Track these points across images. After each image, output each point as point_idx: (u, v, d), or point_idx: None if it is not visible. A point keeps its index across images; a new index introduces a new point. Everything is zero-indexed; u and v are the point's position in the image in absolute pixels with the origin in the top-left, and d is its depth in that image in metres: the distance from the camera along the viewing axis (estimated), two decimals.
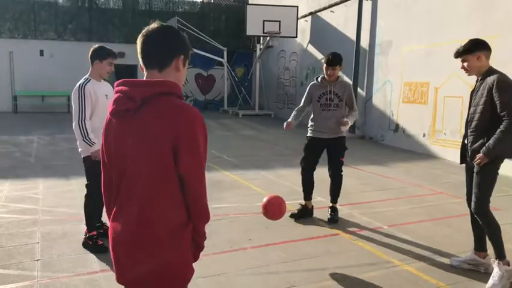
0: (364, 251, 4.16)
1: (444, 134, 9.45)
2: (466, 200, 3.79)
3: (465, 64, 3.51)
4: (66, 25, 18.56)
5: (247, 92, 20.40)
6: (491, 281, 3.40)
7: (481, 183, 3.50)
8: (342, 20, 13.52)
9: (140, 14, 19.25)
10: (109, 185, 1.79)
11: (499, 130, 3.32)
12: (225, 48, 19.05)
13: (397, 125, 11.06)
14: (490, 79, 3.38)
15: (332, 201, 5.11)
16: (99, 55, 4.06)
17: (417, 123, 10.30)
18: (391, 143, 11.15)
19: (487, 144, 3.37)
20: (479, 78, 3.52)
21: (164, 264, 1.65)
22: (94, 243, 3.99)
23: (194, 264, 1.80)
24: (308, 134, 5.06)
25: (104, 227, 4.33)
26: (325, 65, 4.85)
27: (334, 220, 4.94)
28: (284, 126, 5.01)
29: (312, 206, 5.18)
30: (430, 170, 8.19)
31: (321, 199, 5.84)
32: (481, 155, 3.41)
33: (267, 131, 13.58)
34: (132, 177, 1.65)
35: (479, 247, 3.73)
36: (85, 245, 4.04)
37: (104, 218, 4.36)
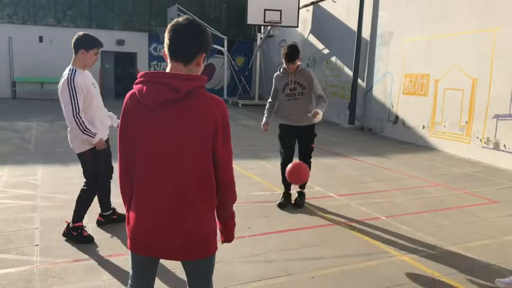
0: (361, 240, 4.19)
1: (444, 126, 9.46)
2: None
3: None
4: (65, 11, 18.41)
5: (247, 81, 20.33)
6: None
7: None
8: (344, 10, 13.43)
9: (141, 1, 19.10)
10: (128, 167, 1.92)
11: None
12: (225, 37, 18.94)
13: (397, 117, 11.06)
14: None
15: (300, 188, 5.24)
16: (85, 44, 3.78)
17: (417, 115, 10.29)
18: (390, 135, 11.16)
19: None
20: None
21: (200, 235, 1.88)
22: (79, 234, 3.87)
23: None
24: (281, 122, 5.18)
25: (116, 213, 4.38)
26: (284, 61, 4.92)
27: (301, 204, 5.11)
28: (263, 129, 5.20)
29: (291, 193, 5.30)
30: (429, 161, 8.21)
31: (319, 189, 5.87)
32: None
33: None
34: (172, 158, 1.82)
35: None
36: (67, 235, 3.90)
37: (115, 204, 4.38)
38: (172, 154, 1.81)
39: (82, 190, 3.96)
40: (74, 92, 3.65)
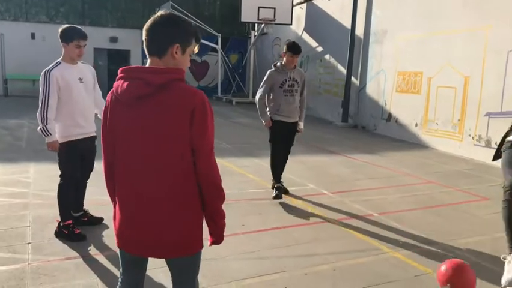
0: (354, 237, 4.21)
1: (437, 124, 9.51)
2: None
3: None
4: (58, 8, 18.26)
5: (241, 79, 20.29)
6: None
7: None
8: (338, 7, 13.45)
9: None
10: (111, 163, 1.91)
11: None
12: (219, 35, 18.87)
13: (390, 115, 11.10)
14: None
15: (278, 181, 5.32)
16: (64, 38, 3.73)
17: (409, 112, 10.34)
18: (383, 132, 11.20)
19: None
20: None
21: (182, 233, 1.83)
22: (71, 232, 3.85)
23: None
24: (274, 119, 5.22)
25: (88, 215, 4.25)
26: (289, 53, 5.02)
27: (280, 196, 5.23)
28: (266, 125, 5.28)
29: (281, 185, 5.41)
30: (421, 159, 8.26)
31: (312, 186, 5.88)
32: None
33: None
34: (150, 155, 1.77)
35: None
36: (59, 234, 3.89)
37: (86, 205, 4.36)
38: (150, 151, 1.77)
39: (58, 185, 3.95)
40: (47, 84, 3.66)
